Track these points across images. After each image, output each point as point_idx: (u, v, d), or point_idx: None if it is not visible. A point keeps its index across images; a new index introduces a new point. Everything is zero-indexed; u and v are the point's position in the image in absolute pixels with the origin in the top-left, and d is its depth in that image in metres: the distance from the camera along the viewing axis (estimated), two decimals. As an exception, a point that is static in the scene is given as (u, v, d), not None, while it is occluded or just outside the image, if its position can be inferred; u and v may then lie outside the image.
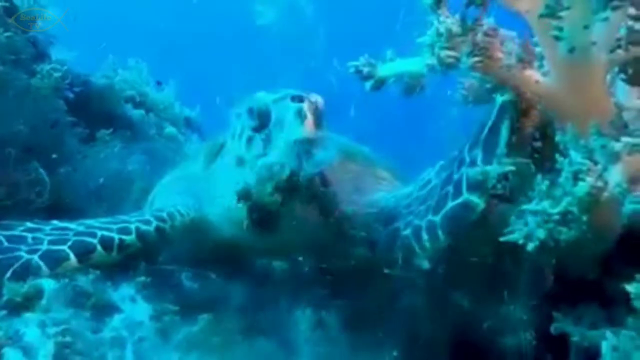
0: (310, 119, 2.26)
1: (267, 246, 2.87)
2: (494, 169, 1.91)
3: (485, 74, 1.80)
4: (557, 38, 1.59)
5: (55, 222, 2.81)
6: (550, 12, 1.53)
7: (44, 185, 3.55)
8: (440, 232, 2.17)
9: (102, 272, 2.48)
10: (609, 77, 1.75)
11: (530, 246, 1.70)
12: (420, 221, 2.26)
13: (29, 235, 2.62)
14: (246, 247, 2.91)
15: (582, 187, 1.55)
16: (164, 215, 2.87)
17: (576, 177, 1.56)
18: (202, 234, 2.98)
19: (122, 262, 2.66)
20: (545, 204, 1.64)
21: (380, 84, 1.93)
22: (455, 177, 2.13)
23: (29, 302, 2.25)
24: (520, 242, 1.72)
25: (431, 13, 1.85)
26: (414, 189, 2.53)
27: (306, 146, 2.29)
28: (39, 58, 4.18)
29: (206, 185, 2.99)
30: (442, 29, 1.79)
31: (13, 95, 3.60)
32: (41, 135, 3.78)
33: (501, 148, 1.92)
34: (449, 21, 1.81)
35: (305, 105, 2.28)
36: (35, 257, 2.43)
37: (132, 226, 2.73)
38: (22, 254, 2.44)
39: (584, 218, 1.60)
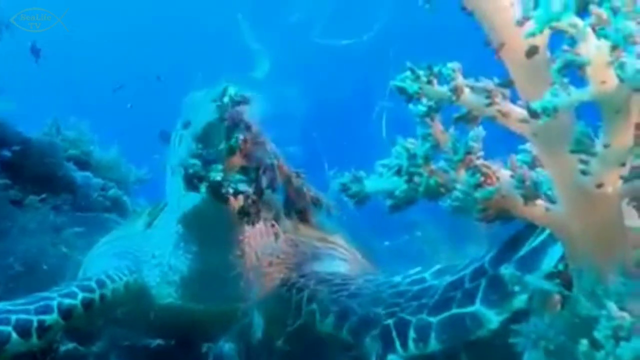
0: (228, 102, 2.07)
1: (208, 313, 2.62)
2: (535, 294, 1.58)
3: (485, 202, 1.48)
4: (584, 173, 1.30)
5: None
6: (582, 149, 1.25)
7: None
8: (433, 335, 1.87)
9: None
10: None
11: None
12: (410, 317, 1.97)
13: None
14: (187, 315, 2.65)
15: (627, 350, 1.21)
16: (92, 284, 2.49)
17: (617, 336, 1.23)
18: (139, 300, 2.69)
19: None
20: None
21: (365, 200, 1.60)
22: (468, 285, 1.88)
23: None
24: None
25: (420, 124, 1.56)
26: (402, 281, 2.25)
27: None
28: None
29: (145, 244, 2.71)
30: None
31: None
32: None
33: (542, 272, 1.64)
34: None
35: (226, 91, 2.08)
36: None
37: (54, 303, 2.33)
38: None
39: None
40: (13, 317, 2.19)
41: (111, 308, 2.61)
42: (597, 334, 1.26)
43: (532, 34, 1.22)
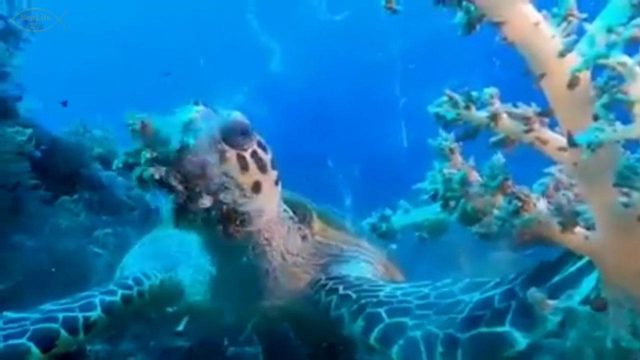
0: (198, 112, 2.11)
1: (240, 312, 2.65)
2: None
3: (525, 229, 1.47)
4: (625, 205, 1.28)
5: (7, 313, 2.40)
6: (626, 184, 1.23)
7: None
8: (460, 352, 1.85)
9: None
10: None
11: None
12: (438, 330, 1.96)
13: None
14: (214, 313, 2.70)
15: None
16: (129, 282, 2.58)
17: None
18: (172, 299, 2.75)
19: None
20: None
21: (395, 236, 1.60)
22: (497, 305, 1.86)
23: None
24: None
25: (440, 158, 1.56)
26: (430, 292, 2.24)
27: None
28: (4, 115, 3.75)
29: (183, 244, 2.73)
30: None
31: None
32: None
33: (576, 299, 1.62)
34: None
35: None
36: None
37: (96, 300, 2.41)
38: None
39: None
40: (60, 316, 2.27)
41: (148, 305, 2.65)
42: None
43: (579, 70, 1.20)
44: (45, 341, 2.18)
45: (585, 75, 1.30)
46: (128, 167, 2.02)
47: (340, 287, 2.44)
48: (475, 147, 1.62)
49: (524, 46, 1.35)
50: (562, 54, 1.30)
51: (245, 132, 2.26)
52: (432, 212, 1.63)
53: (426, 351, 1.94)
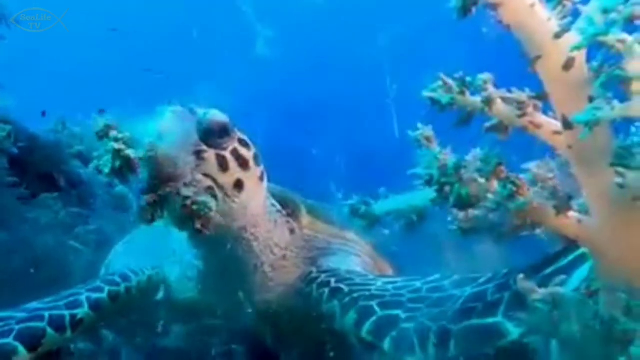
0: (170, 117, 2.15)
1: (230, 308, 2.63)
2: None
3: (519, 213, 1.46)
4: (620, 186, 1.28)
5: None
6: (622, 163, 1.23)
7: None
8: (452, 343, 1.86)
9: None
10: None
11: None
12: (430, 322, 1.97)
13: None
14: (205, 309, 2.69)
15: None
16: (116, 278, 2.58)
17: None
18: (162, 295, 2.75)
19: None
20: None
21: (375, 222, 1.59)
22: (491, 298, 1.87)
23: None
24: None
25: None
26: (422, 287, 2.25)
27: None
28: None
29: (166, 241, 2.70)
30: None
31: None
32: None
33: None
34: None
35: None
36: None
37: (82, 297, 2.40)
38: None
39: None
40: (46, 314, 2.25)
41: (135, 301, 2.63)
42: (634, 350, 1.25)
43: (578, 48, 1.20)
44: (32, 340, 2.16)
45: (581, 57, 1.30)
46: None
47: (332, 280, 2.42)
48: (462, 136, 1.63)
49: (519, 28, 1.35)
50: (557, 36, 1.30)
51: (224, 131, 2.27)
52: (414, 199, 1.62)
53: (419, 343, 1.95)
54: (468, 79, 1.51)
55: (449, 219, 1.80)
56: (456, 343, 1.85)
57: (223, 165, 2.24)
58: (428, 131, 1.63)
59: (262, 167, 2.45)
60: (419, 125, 1.63)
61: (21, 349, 2.10)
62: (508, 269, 1.99)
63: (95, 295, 2.41)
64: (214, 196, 2.19)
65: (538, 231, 1.58)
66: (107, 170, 2.02)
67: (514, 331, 1.73)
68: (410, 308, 2.11)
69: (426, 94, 1.51)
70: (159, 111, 2.17)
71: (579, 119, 1.20)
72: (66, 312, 2.28)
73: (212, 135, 2.23)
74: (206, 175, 2.18)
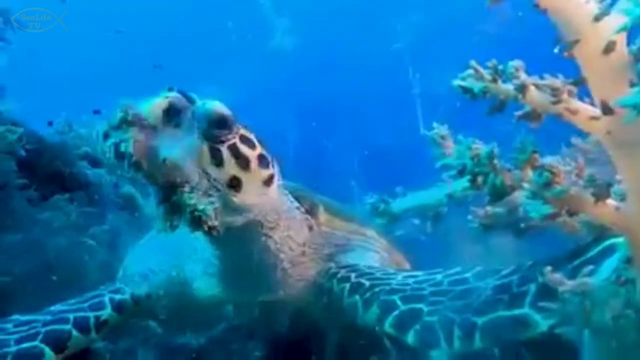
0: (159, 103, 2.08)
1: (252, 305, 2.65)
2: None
3: (557, 201, 1.43)
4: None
5: (16, 316, 2.42)
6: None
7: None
8: (478, 335, 1.85)
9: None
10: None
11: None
12: (454, 315, 1.96)
13: None
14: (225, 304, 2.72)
15: None
16: (136, 278, 2.62)
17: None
18: (179, 295, 2.71)
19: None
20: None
21: (395, 220, 1.56)
22: (516, 290, 1.86)
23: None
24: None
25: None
26: (443, 280, 2.23)
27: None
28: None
29: (186, 238, 2.53)
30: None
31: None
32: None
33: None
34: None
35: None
36: None
37: (105, 299, 2.44)
38: None
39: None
40: (71, 316, 2.30)
41: (156, 301, 2.63)
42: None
43: (623, 29, 1.17)
44: (58, 342, 2.20)
45: (622, 40, 1.27)
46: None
47: (353, 275, 2.40)
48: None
49: (556, 12, 1.32)
50: (597, 19, 1.27)
51: (222, 123, 2.14)
52: (429, 196, 1.60)
53: (444, 335, 1.93)
54: (500, 66, 1.48)
55: (469, 216, 1.81)
56: (482, 335, 1.84)
57: (217, 159, 2.12)
58: (444, 130, 1.62)
59: (271, 170, 2.32)
60: (435, 124, 1.62)
61: (48, 351, 2.13)
62: (532, 262, 1.97)
63: (117, 297, 2.45)
64: (213, 195, 2.12)
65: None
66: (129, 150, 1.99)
67: (542, 322, 1.72)
68: (432, 301, 2.09)
69: (457, 82, 1.48)
70: (154, 97, 2.11)
71: (626, 102, 1.18)
72: (90, 314, 2.33)
73: (210, 126, 2.12)
74: (201, 169, 2.10)
